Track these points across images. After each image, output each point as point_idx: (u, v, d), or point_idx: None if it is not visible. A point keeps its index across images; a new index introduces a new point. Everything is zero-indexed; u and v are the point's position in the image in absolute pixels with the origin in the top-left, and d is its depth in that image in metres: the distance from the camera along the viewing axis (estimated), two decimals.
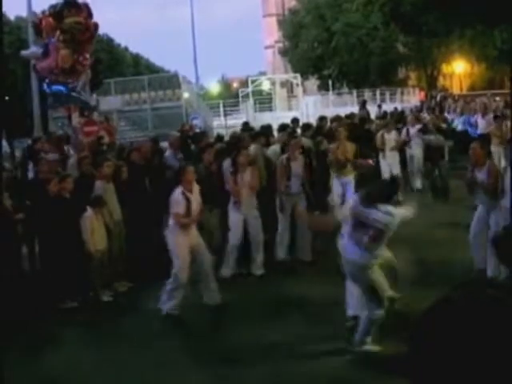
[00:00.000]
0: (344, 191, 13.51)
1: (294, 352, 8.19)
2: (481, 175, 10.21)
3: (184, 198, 9.82)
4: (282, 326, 9.08)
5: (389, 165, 17.65)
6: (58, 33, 17.57)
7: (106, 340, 9.32)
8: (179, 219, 9.84)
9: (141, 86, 37.67)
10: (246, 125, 19.08)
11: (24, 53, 21.19)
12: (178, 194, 9.87)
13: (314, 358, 7.91)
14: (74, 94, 18.15)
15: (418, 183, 19.23)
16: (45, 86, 18.60)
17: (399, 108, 34.82)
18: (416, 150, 18.98)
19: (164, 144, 15.96)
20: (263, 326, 9.19)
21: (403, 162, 19.01)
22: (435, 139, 18.14)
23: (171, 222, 10.00)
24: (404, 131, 19.25)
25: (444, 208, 16.03)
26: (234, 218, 11.85)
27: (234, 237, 11.81)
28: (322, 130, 16.80)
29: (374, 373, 7.41)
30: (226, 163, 12.24)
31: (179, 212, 9.82)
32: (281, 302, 10.15)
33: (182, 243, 9.86)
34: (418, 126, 19.33)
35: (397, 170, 17.44)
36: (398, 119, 22.61)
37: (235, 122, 40.33)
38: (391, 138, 18.13)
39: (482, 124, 22.05)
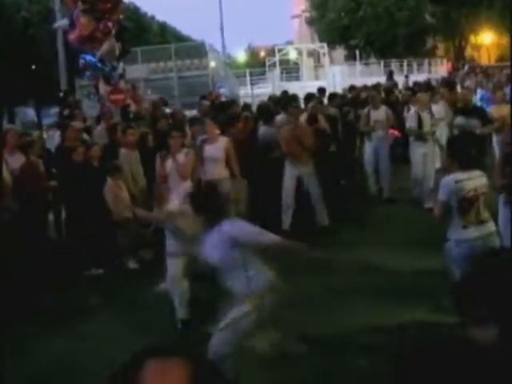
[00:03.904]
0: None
1: None
2: None
3: None
4: None
5: (373, 152, 14.35)
6: (79, 3, 17.50)
7: (131, 308, 9.27)
8: None
9: (167, 55, 37.59)
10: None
11: (56, 25, 21.34)
12: None
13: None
14: (100, 63, 18.12)
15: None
16: (81, 61, 18.39)
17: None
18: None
19: (190, 112, 16.03)
20: None
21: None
22: (475, 125, 12.50)
23: None
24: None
25: None
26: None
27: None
28: (353, 99, 16.89)
29: None
30: (262, 130, 12.58)
31: None
32: None
33: None
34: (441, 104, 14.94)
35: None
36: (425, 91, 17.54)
37: (261, 91, 40.13)
38: (379, 115, 14.35)
39: None
